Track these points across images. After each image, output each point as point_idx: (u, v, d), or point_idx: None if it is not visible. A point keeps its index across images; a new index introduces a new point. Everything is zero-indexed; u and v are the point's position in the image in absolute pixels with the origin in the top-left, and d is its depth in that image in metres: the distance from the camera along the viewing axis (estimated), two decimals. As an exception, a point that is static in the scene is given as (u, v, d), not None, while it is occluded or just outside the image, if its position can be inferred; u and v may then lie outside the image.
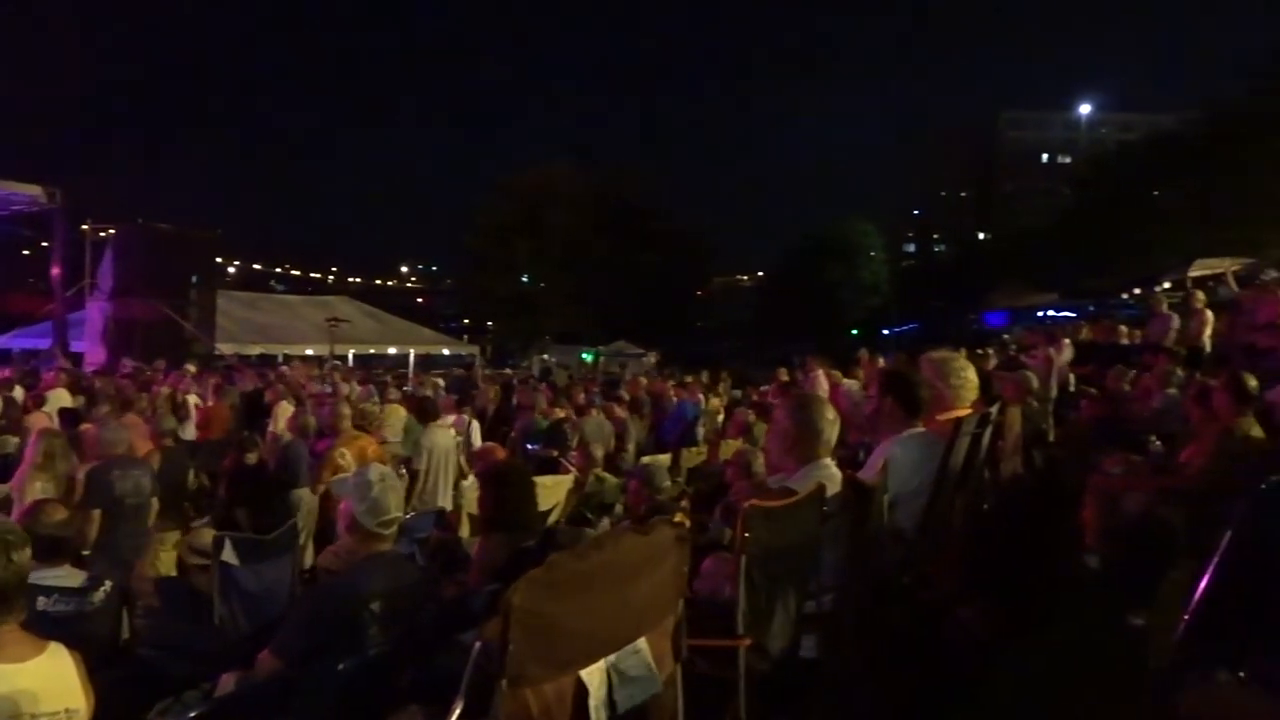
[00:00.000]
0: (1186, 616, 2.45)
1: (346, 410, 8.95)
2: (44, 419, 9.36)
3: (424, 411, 9.19)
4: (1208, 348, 9.45)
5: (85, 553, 5.93)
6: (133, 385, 13.29)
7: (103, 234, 23.65)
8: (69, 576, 3.88)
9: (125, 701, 3.77)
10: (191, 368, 15.54)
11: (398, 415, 10.59)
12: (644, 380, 18.39)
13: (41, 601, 3.70)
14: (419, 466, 8.58)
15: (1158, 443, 6.51)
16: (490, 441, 9.62)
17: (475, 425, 11.02)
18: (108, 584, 3.96)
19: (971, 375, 4.63)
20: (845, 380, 9.37)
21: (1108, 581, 5.37)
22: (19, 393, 11.56)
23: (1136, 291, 30.57)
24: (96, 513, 6.25)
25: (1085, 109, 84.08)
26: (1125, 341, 11.90)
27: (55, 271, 23.03)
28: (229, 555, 5.25)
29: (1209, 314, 10.34)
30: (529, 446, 10.63)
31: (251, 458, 8.00)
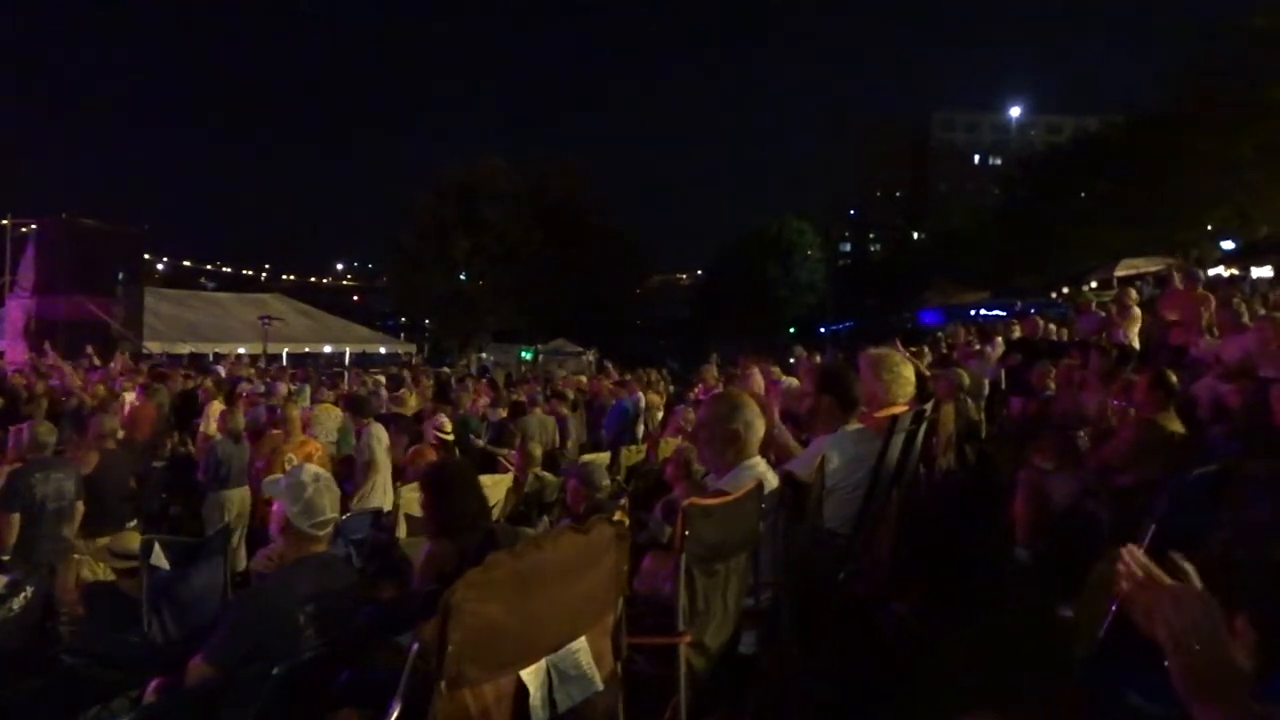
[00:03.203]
0: (1114, 608, 2.51)
1: (295, 413, 8.75)
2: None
3: (360, 409, 9.01)
4: (1136, 345, 9.69)
5: (4, 558, 5.76)
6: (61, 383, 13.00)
7: (24, 229, 22.94)
8: (-13, 583, 3.76)
9: (49, 711, 3.66)
10: (116, 364, 15.19)
11: (330, 415, 10.42)
12: (582, 378, 18.40)
13: (-42, 608, 3.57)
14: (369, 459, 8.31)
15: (1085, 438, 6.67)
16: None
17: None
18: (28, 589, 3.84)
19: (908, 372, 4.69)
20: (785, 378, 9.42)
21: (1037, 574, 5.51)
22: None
23: (1065, 290, 31.38)
24: (15, 516, 6.06)
25: (1015, 111, 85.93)
26: (1054, 339, 12.15)
27: (-27, 268, 22.34)
28: (158, 559, 5.12)
29: (1138, 311, 10.62)
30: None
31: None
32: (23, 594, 3.80)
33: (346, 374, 21.74)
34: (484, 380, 17.49)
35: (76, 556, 6.84)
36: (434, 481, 4.38)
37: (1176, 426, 5.60)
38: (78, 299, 21.07)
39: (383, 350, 35.32)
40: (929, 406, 5.37)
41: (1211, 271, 23.40)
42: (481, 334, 48.70)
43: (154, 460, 9.56)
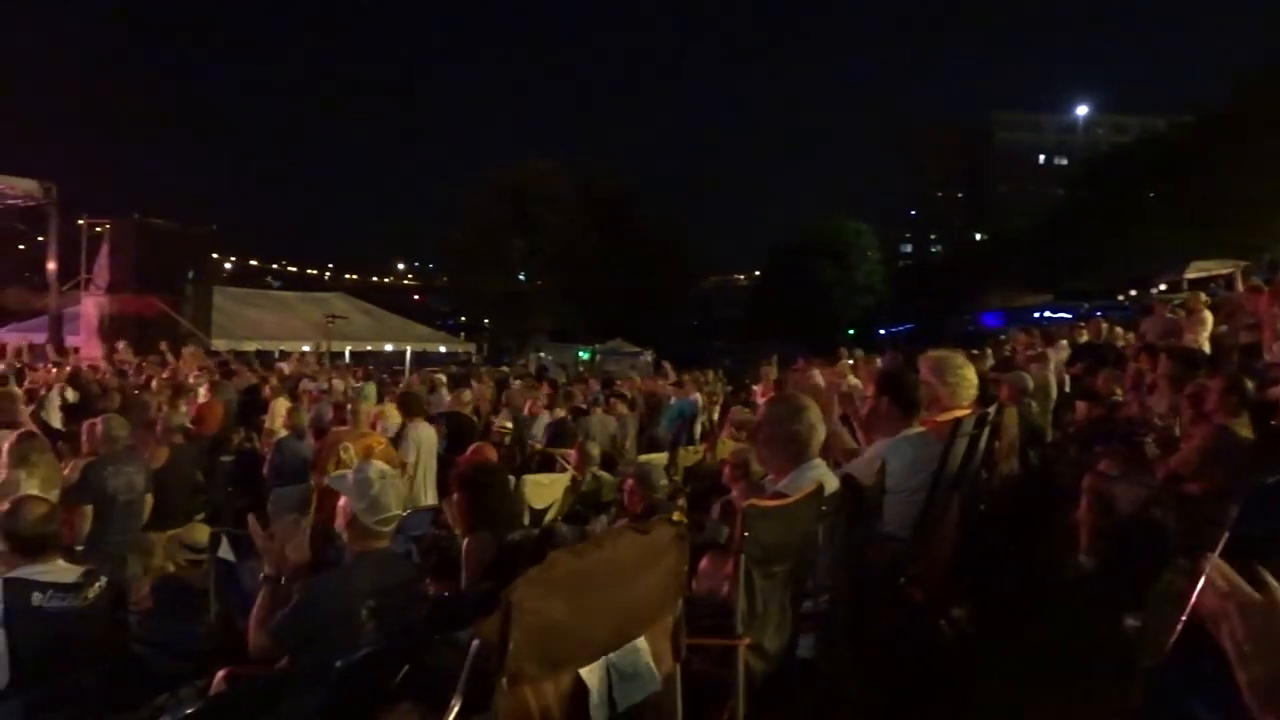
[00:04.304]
0: (1184, 618, 2.45)
1: (364, 407, 8.86)
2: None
3: (410, 408, 9.11)
4: (1207, 349, 9.44)
5: (78, 548, 5.93)
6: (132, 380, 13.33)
7: (98, 229, 23.54)
8: (63, 572, 3.86)
9: (120, 698, 3.76)
10: (186, 361, 15.54)
11: (394, 414, 10.56)
12: (638, 379, 18.43)
13: (36, 597, 3.68)
14: (408, 460, 8.48)
15: (1153, 444, 6.52)
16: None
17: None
18: (102, 579, 3.94)
19: (970, 375, 4.63)
20: (852, 379, 9.37)
21: (1101, 582, 5.40)
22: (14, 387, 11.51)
23: (1132, 293, 30.69)
24: (88, 508, 6.24)
25: (1081, 110, 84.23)
26: (1120, 343, 11.90)
27: (51, 266, 22.97)
28: (225, 552, 5.24)
29: (1208, 315, 10.35)
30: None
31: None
32: (97, 584, 3.90)
33: (406, 372, 22.01)
34: (543, 381, 17.57)
35: (146, 548, 7.04)
36: (466, 480, 4.61)
37: (1248, 433, 5.46)
38: (148, 297, 21.58)
39: (442, 349, 35.64)
40: (992, 410, 5.29)
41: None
42: (538, 334, 48.96)
43: (221, 455, 9.77)
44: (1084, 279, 38.27)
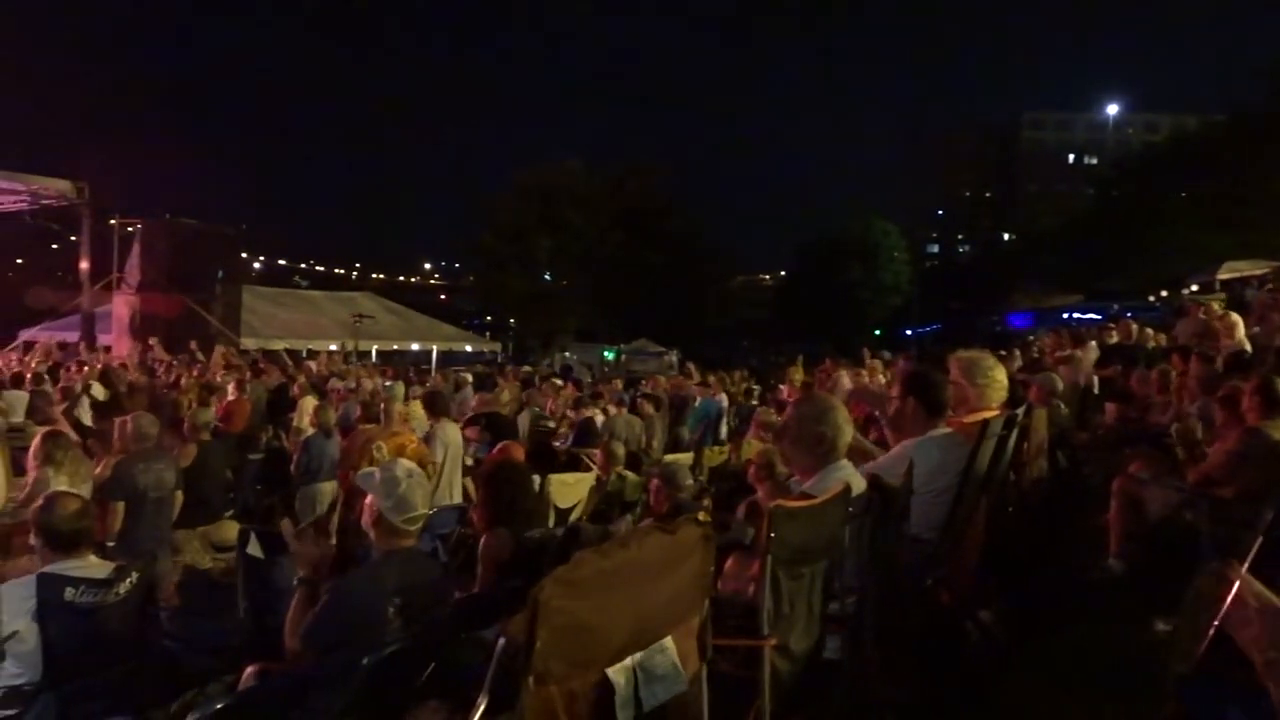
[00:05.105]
0: (1215, 624, 2.42)
1: (396, 405, 8.90)
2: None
3: (435, 407, 9.14)
4: (1248, 348, 9.27)
5: (110, 544, 6.00)
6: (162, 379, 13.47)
7: (130, 228, 23.83)
8: (95, 567, 3.91)
9: (151, 693, 3.81)
10: (216, 359, 15.69)
11: (421, 413, 10.61)
12: (663, 379, 18.44)
13: (69, 592, 3.72)
14: (436, 459, 8.52)
15: (1182, 447, 6.44)
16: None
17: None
18: (134, 575, 3.98)
19: (1000, 376, 4.59)
20: (880, 380, 9.32)
21: (1131, 586, 5.34)
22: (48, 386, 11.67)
23: (1164, 294, 30.34)
24: (120, 505, 6.32)
25: (1112, 109, 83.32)
26: (1151, 344, 11.76)
27: (83, 265, 23.26)
28: (254, 548, 5.28)
29: (1236, 317, 10.20)
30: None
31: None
32: (128, 579, 3.94)
33: (432, 371, 22.12)
34: (568, 380, 17.61)
35: (175, 545, 7.11)
36: (489, 477, 4.67)
37: (1280, 435, 5.38)
38: (179, 296, 21.83)
39: (468, 348, 35.78)
40: (1021, 411, 5.24)
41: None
42: (564, 333, 49.07)
43: (249, 453, 9.86)
44: (1114, 279, 37.88)
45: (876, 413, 4.88)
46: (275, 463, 9.71)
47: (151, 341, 18.88)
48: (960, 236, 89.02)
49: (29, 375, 12.74)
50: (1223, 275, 25.58)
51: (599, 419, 11.42)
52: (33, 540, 3.95)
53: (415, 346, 31.81)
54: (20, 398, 10.01)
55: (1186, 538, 5.11)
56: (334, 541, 7.71)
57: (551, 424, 11.37)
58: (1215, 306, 11.50)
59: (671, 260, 50.47)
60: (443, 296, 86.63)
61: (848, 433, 3.60)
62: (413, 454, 7.60)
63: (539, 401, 12.52)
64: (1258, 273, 24.78)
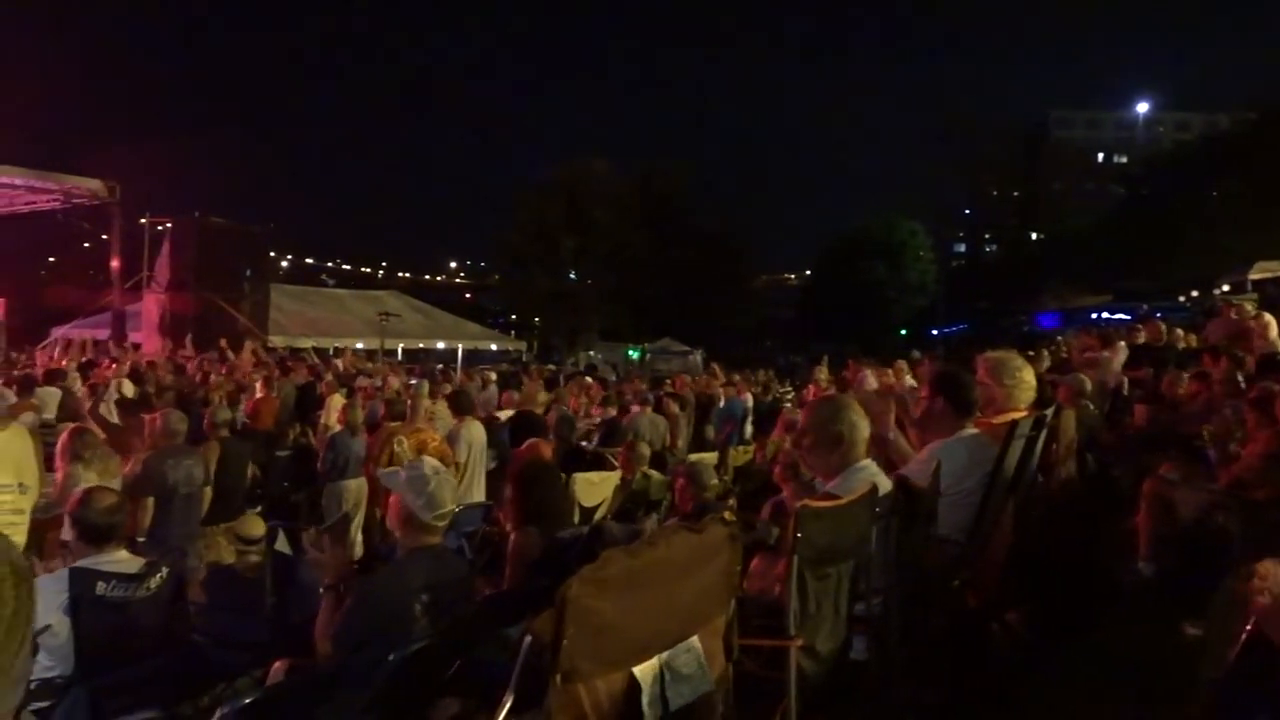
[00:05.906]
0: (1247, 627, 2.39)
1: (423, 403, 8.92)
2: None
3: (460, 406, 9.17)
4: (1276, 350, 9.13)
5: (140, 539, 6.06)
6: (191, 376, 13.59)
7: (160, 227, 24.12)
8: (126, 562, 3.95)
9: (180, 687, 3.84)
10: (245, 358, 15.82)
11: (446, 411, 10.65)
12: (688, 378, 18.43)
13: (100, 587, 3.77)
14: (459, 459, 8.54)
15: (1213, 449, 6.37)
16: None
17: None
18: (164, 571, 4.02)
19: (1029, 377, 4.54)
20: (909, 380, 9.26)
21: (1161, 589, 5.28)
22: (78, 384, 11.80)
23: (1194, 294, 29.99)
24: (149, 500, 6.38)
25: (1142, 107, 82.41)
26: (1181, 345, 11.63)
27: (114, 264, 23.55)
28: (282, 544, 5.34)
29: (1270, 318, 10.07)
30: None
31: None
32: (159, 575, 3.98)
33: (457, 370, 22.21)
34: (592, 380, 17.64)
35: (205, 540, 7.17)
36: (522, 476, 4.66)
37: (1314, 438, 5.31)
38: (207, 294, 22.06)
39: (494, 347, 35.93)
40: (1049, 412, 5.19)
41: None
42: (588, 332, 49.14)
43: (277, 450, 9.93)
44: (1143, 279, 37.48)
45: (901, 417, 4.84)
46: (302, 460, 9.77)
47: (185, 340, 19.09)
48: (987, 236, 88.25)
49: (66, 370, 12.84)
50: (1254, 275, 25.22)
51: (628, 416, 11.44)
52: (65, 534, 4.00)
53: (441, 345, 31.96)
54: (53, 394, 10.14)
55: (1218, 540, 5.05)
56: (358, 540, 7.80)
57: (578, 423, 11.39)
58: (1248, 307, 11.33)
59: (697, 259, 50.40)
60: (468, 295, 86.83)
61: (864, 428, 3.57)
62: (434, 451, 7.61)
63: (566, 400, 12.54)
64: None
